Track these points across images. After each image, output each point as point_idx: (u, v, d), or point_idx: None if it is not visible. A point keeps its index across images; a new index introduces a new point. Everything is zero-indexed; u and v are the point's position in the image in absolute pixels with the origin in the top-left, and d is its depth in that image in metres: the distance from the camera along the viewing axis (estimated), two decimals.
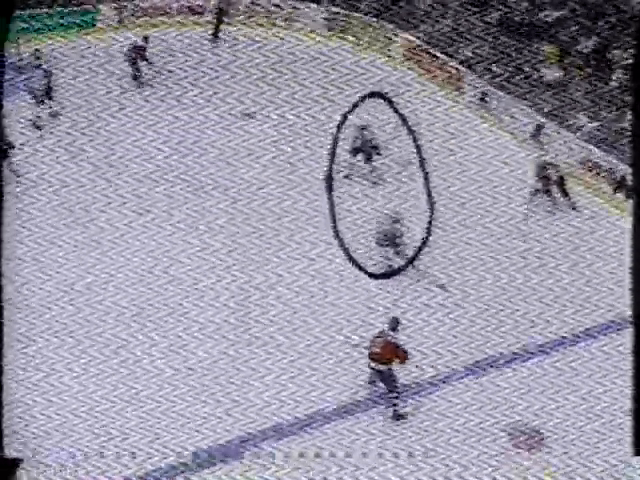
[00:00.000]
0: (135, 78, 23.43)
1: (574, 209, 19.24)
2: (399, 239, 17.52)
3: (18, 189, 19.36)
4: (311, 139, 21.22)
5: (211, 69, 24.00)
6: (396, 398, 14.63)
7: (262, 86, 23.23)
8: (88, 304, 16.95)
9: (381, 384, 14.73)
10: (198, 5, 26.54)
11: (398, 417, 14.62)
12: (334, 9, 26.14)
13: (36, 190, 19.81)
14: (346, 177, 19.98)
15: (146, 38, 23.85)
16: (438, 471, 13.82)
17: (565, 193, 19.30)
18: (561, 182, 19.27)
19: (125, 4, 26.31)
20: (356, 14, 25.81)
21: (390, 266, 17.54)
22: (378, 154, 20.08)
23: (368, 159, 20.09)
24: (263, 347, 16.02)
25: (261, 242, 18.48)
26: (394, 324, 14.80)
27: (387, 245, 17.56)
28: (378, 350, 14.54)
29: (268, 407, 14.91)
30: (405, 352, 14.55)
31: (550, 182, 19.16)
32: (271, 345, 16.05)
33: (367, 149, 20.02)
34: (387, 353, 14.49)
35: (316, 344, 16.00)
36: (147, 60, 23.48)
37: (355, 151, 20.02)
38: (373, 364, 14.65)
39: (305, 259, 17.97)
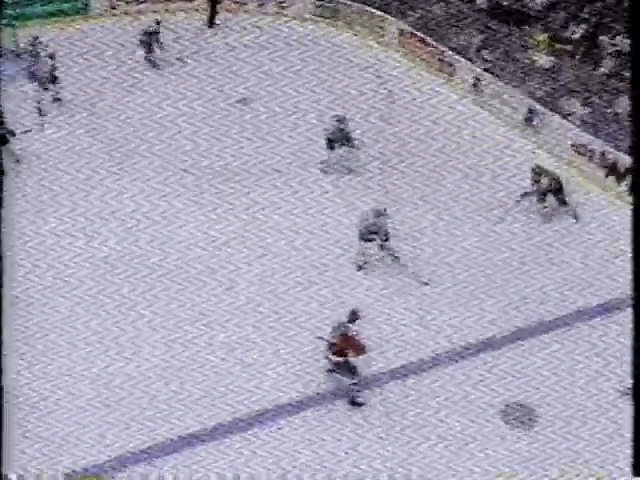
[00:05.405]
0: (149, 60, 24.11)
1: (575, 219, 18.54)
2: (382, 233, 17.28)
3: (25, 173, 19.56)
4: (307, 127, 21.24)
5: (207, 57, 24.29)
6: (354, 386, 14.78)
7: (257, 73, 23.42)
8: (94, 290, 16.94)
9: (339, 374, 14.88)
10: None
11: (354, 404, 14.80)
12: None
13: (48, 173, 19.88)
14: (333, 169, 19.93)
15: (158, 23, 24.35)
16: (431, 449, 13.95)
17: (564, 202, 18.53)
18: (558, 190, 18.52)
19: None
20: (348, 2, 26.05)
21: (373, 260, 17.48)
22: (352, 146, 19.85)
23: (349, 151, 19.93)
24: (234, 338, 15.94)
25: (244, 231, 18.43)
26: (353, 317, 14.85)
27: (370, 239, 17.38)
28: (335, 342, 14.75)
29: (229, 399, 14.83)
30: (361, 344, 14.74)
31: (543, 189, 18.54)
32: (244, 334, 16.02)
33: (346, 141, 19.82)
34: (343, 345, 14.69)
35: (299, 335, 15.98)
36: (161, 44, 24.18)
37: (332, 142, 19.80)
38: (330, 355, 14.84)
39: (286, 250, 17.90)
